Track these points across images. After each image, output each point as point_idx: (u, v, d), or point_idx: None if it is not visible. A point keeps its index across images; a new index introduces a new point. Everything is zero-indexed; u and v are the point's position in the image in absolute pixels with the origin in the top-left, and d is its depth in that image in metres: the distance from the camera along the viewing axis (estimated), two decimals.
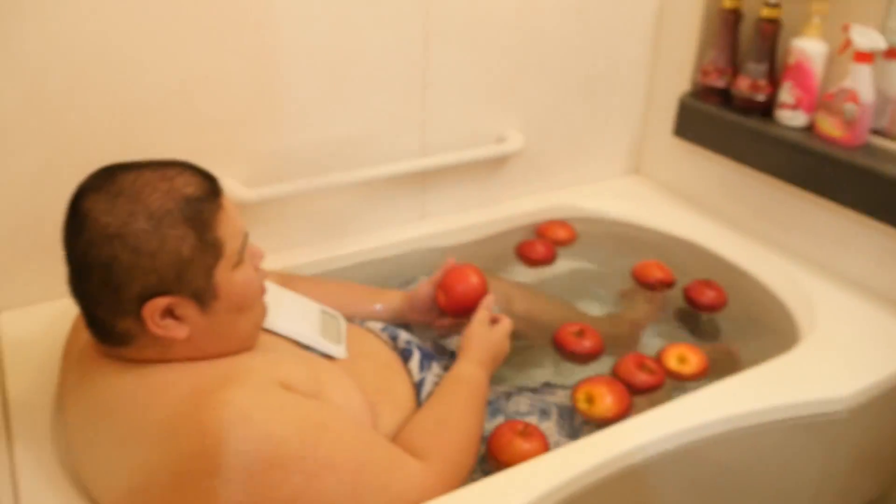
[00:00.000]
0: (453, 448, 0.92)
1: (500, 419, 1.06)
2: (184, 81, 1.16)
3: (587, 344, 1.19)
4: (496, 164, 1.54)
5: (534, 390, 1.14)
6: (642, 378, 1.11)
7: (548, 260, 1.47)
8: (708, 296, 1.35)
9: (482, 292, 1.12)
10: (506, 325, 1.10)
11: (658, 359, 1.18)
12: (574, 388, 1.08)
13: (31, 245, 1.13)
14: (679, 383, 1.16)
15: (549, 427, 1.04)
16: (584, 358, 1.19)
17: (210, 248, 0.78)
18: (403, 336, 1.12)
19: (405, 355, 1.09)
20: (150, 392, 0.79)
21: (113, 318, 0.78)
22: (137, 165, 0.79)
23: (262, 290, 0.89)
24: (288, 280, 1.18)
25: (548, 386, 1.16)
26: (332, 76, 1.28)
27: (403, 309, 1.20)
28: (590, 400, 1.05)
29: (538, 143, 1.57)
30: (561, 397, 1.12)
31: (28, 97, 1.06)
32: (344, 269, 1.39)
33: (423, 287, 1.17)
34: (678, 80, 1.56)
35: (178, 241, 0.76)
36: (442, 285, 1.14)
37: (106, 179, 0.77)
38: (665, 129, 1.61)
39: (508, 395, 1.10)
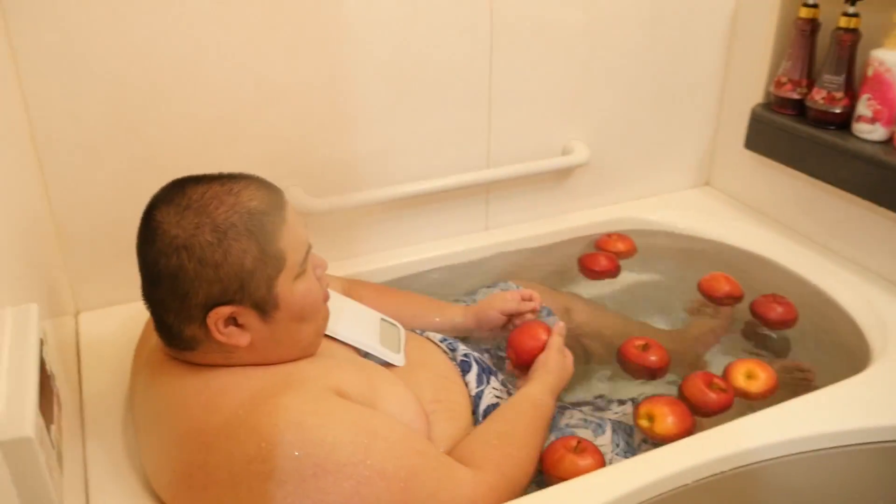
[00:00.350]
0: (510, 463, 0.92)
1: (552, 434, 1.06)
2: (254, 94, 1.20)
3: (653, 358, 1.17)
4: (561, 175, 1.54)
5: (588, 404, 1.13)
6: (712, 397, 1.07)
7: (611, 272, 1.45)
8: (776, 311, 1.30)
9: None
10: (571, 358, 1.12)
11: (725, 375, 1.15)
12: (636, 407, 1.07)
13: (109, 250, 1.20)
14: (746, 400, 1.12)
15: (604, 443, 1.03)
16: (650, 372, 1.17)
17: (272, 260, 0.81)
18: (462, 348, 1.13)
19: (464, 367, 1.10)
20: (212, 395, 0.82)
21: (180, 324, 0.82)
22: (207, 178, 0.83)
23: (325, 300, 0.91)
24: (351, 287, 1.21)
25: (601, 399, 1.15)
26: (399, 88, 1.30)
27: (466, 324, 1.22)
28: (651, 418, 1.04)
29: (604, 154, 1.55)
30: (616, 413, 1.11)
31: (108, 108, 1.11)
32: (407, 278, 1.41)
33: (494, 314, 1.18)
34: (751, 91, 1.52)
35: (242, 253, 0.79)
36: (512, 343, 1.14)
37: (176, 192, 0.81)
38: (737, 141, 1.57)
39: (562, 410, 1.10)
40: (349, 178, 1.33)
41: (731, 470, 0.95)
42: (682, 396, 1.09)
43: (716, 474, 0.94)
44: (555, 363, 1.08)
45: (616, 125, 1.54)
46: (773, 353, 1.31)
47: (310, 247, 0.87)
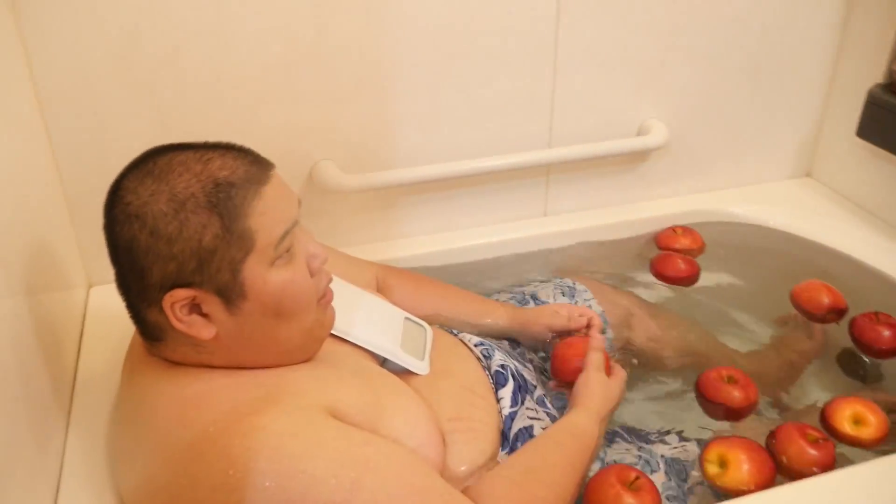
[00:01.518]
0: None
1: (596, 466, 0.90)
2: (284, 54, 1.07)
3: (737, 395, 0.97)
4: (635, 159, 1.36)
5: (641, 437, 0.97)
6: (813, 455, 0.87)
7: (690, 279, 1.25)
8: (884, 336, 1.08)
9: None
10: (623, 375, 0.96)
11: (825, 419, 0.95)
12: (705, 447, 0.89)
13: None
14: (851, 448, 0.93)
15: (656, 483, 0.87)
16: (733, 413, 0.98)
17: (237, 240, 0.69)
18: (499, 357, 0.98)
19: (498, 380, 0.95)
20: (186, 405, 0.71)
21: (140, 305, 0.73)
22: (186, 146, 0.72)
23: (320, 297, 0.78)
24: (385, 275, 1.10)
25: (660, 434, 0.98)
26: (450, 53, 1.15)
27: (511, 328, 1.09)
28: (723, 464, 0.86)
29: (686, 136, 1.36)
30: (675, 449, 0.94)
31: (119, 71, 1.01)
32: (450, 267, 1.27)
33: (539, 329, 1.07)
34: (869, 68, 1.29)
35: (200, 228, 0.68)
36: (554, 361, 1.00)
37: (148, 158, 0.72)
38: (848, 126, 1.35)
39: (609, 440, 0.94)
40: (389, 153, 1.20)
41: None
42: (773, 453, 0.89)
43: None
44: (597, 383, 0.92)
45: (702, 103, 1.34)
46: (869, 387, 1.10)
47: (292, 227, 0.73)
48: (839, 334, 1.13)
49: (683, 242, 1.31)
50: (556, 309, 1.07)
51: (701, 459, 0.87)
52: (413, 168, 1.20)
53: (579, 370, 0.95)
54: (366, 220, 1.24)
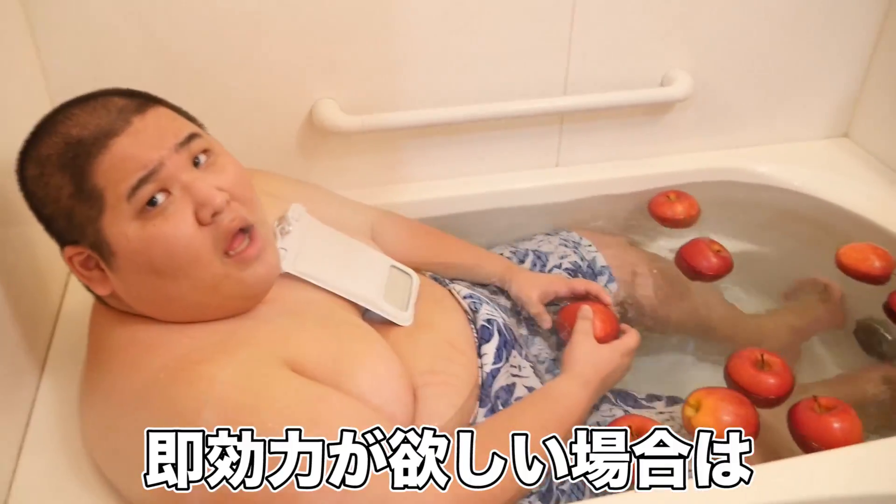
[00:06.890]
0: None
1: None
2: None
3: (771, 381, 0.88)
4: (656, 110, 1.28)
5: (628, 400, 0.94)
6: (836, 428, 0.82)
7: (720, 274, 1.12)
8: None
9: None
10: (629, 341, 0.93)
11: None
12: (689, 395, 0.86)
13: None
14: None
15: None
16: (769, 402, 0.89)
17: (87, 199, 0.67)
18: (486, 311, 0.95)
19: (483, 335, 0.93)
20: (139, 351, 0.72)
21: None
22: (73, 101, 0.71)
23: (224, 249, 0.71)
24: (381, 219, 1.08)
25: (650, 398, 0.95)
26: None
27: (503, 286, 1.06)
28: (697, 408, 0.83)
29: (714, 88, 1.28)
30: (657, 413, 0.91)
31: (114, 5, 0.99)
32: (455, 216, 1.23)
33: (532, 299, 1.01)
34: None
35: (57, 189, 0.68)
36: (563, 325, 0.98)
37: (47, 116, 0.72)
38: (892, 86, 1.24)
39: (598, 402, 0.92)
40: (394, 94, 1.15)
41: None
42: (795, 429, 0.84)
43: None
44: (579, 348, 0.90)
45: (733, 53, 1.25)
46: (885, 360, 1.04)
47: (149, 176, 0.67)
48: (869, 308, 1.06)
49: (678, 210, 1.22)
50: (554, 281, 1.03)
51: (683, 406, 0.85)
52: (419, 111, 1.15)
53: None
54: (367, 162, 1.21)
